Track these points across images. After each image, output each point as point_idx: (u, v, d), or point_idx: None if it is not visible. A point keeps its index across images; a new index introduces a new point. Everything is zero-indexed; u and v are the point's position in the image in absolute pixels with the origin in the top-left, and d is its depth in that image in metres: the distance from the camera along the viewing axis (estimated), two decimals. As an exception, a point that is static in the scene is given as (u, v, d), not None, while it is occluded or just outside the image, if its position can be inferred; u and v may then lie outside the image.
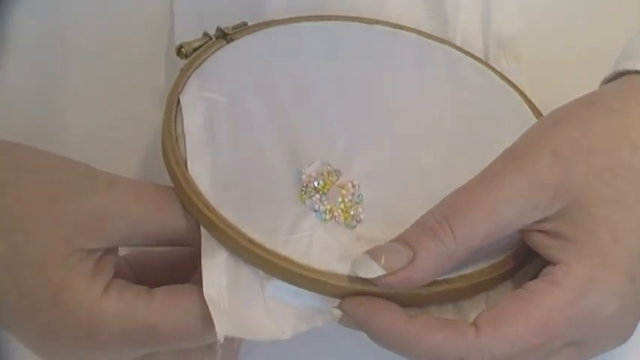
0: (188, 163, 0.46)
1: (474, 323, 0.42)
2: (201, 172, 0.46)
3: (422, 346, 0.42)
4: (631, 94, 0.46)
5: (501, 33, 0.59)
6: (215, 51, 0.53)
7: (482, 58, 0.58)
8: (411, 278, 0.42)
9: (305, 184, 0.45)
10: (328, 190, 0.45)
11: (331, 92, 0.51)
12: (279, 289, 0.44)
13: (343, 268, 0.43)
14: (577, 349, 0.43)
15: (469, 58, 0.56)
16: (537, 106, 0.55)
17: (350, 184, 0.46)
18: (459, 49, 0.57)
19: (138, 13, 0.58)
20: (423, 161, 0.49)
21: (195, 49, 0.53)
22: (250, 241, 0.43)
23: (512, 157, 0.44)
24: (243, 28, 0.55)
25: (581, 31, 0.59)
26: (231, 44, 0.53)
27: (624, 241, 0.42)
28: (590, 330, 0.42)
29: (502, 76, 0.56)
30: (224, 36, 0.54)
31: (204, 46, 0.53)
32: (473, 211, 0.42)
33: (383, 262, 0.42)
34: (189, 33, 0.54)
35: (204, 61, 0.52)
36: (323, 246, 0.44)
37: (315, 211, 0.44)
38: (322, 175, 0.46)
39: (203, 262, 0.44)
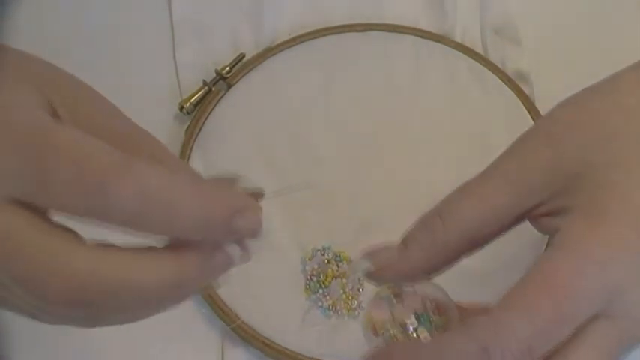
0: None
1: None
2: None
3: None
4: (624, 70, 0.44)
5: (498, 18, 0.58)
6: (214, 106, 0.55)
7: (481, 45, 0.58)
8: (401, 270, 0.42)
9: (309, 276, 0.49)
10: (330, 282, 0.49)
11: (329, 147, 0.54)
12: None
13: (351, 357, 0.48)
14: (612, 324, 0.40)
15: (467, 58, 0.57)
16: (539, 90, 0.55)
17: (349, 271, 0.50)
18: (457, 46, 0.57)
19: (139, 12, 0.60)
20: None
21: (195, 105, 0.55)
22: (265, 343, 0.48)
23: (507, 149, 0.43)
24: (241, 66, 0.56)
25: (580, 13, 0.58)
26: (230, 94, 0.55)
27: (628, 197, 0.40)
28: (613, 289, 0.39)
29: (500, 74, 0.56)
30: (223, 79, 0.56)
31: (205, 99, 0.55)
32: (462, 200, 0.42)
33: (376, 258, 0.42)
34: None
35: (203, 124, 0.54)
36: (329, 338, 0.49)
37: (320, 307, 0.49)
38: (323, 265, 0.49)
39: (225, 352, 0.50)
